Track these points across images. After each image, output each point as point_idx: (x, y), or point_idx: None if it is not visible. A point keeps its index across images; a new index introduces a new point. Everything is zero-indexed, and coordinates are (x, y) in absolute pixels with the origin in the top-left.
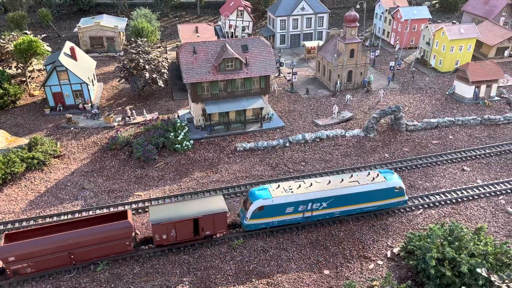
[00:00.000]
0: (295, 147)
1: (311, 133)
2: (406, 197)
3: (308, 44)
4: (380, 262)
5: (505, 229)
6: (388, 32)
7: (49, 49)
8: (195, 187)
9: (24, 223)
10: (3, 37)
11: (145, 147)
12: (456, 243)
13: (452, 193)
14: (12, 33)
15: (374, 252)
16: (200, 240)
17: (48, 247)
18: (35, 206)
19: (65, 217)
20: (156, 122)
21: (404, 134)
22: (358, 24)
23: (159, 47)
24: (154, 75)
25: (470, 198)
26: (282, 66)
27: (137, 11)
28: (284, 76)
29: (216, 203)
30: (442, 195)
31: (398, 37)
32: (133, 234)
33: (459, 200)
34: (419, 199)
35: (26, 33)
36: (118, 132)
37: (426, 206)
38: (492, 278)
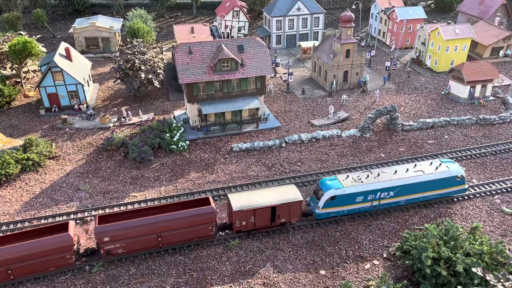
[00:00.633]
0: (291, 148)
1: (307, 134)
2: (466, 186)
3: (304, 44)
4: (376, 262)
5: (500, 229)
6: (384, 32)
7: (44, 50)
8: (191, 188)
9: (19, 225)
10: None
11: (141, 148)
12: (452, 243)
13: None
14: (7, 33)
15: (370, 252)
16: (275, 227)
17: (139, 229)
18: (30, 208)
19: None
20: (152, 122)
21: (400, 134)
22: (353, 25)
23: (155, 47)
24: (150, 76)
25: (466, 197)
26: (278, 66)
27: (133, 12)
28: (280, 76)
29: (291, 192)
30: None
31: (394, 37)
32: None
33: (455, 199)
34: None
35: (21, 34)
36: (114, 133)
37: (422, 205)
38: (488, 277)
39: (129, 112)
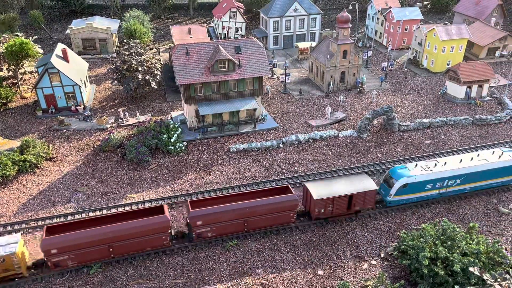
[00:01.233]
0: (288, 148)
1: (304, 134)
2: None
3: (301, 45)
4: (373, 262)
5: (497, 228)
6: (381, 33)
7: (41, 51)
8: (188, 189)
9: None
10: None
11: (138, 149)
12: (449, 243)
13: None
14: (4, 35)
15: (368, 252)
16: (350, 214)
17: (229, 214)
18: (27, 209)
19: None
20: (149, 123)
21: (396, 135)
22: (350, 25)
23: (152, 48)
24: (147, 77)
25: (463, 197)
26: (275, 67)
27: (130, 13)
28: (277, 77)
29: (366, 181)
30: None
31: (391, 38)
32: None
33: (452, 199)
34: None
35: (17, 35)
36: (111, 134)
37: (419, 205)
38: (485, 277)
39: (126, 113)
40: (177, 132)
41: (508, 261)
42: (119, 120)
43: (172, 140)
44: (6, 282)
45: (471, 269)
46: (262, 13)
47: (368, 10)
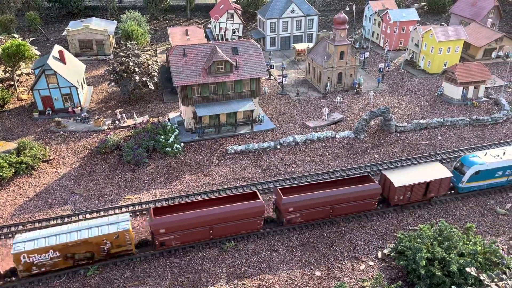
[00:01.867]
0: (286, 149)
1: (301, 135)
2: None
3: (298, 46)
4: (371, 263)
5: (493, 229)
6: (378, 34)
7: (38, 52)
8: (186, 190)
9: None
10: None
11: (135, 150)
12: (446, 243)
13: None
14: (0, 36)
15: (365, 253)
16: (425, 200)
17: (317, 202)
18: (24, 211)
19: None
20: (146, 125)
21: (393, 135)
22: (347, 26)
23: (149, 50)
24: (144, 78)
25: (459, 198)
26: (273, 68)
27: (127, 14)
28: (274, 78)
29: (440, 169)
30: None
31: (387, 39)
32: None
33: (448, 200)
34: None
35: (14, 37)
36: (108, 135)
37: (416, 206)
38: (481, 277)
39: (124, 114)
40: (175, 134)
41: (504, 262)
42: (116, 121)
43: (170, 141)
44: (116, 258)
45: (468, 269)
46: (259, 14)
47: (365, 11)
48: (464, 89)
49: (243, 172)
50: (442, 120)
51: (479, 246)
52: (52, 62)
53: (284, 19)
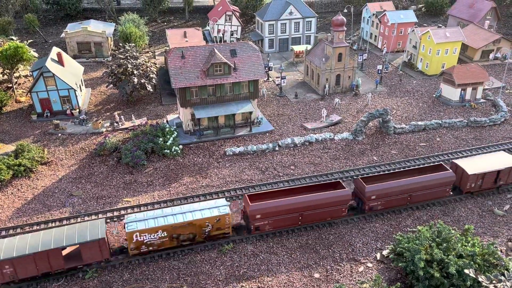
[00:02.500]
0: (284, 151)
1: (300, 137)
2: None
3: (297, 48)
4: (369, 265)
5: (492, 230)
6: (376, 36)
7: (36, 55)
8: (184, 193)
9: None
10: None
11: (134, 152)
12: (444, 245)
13: None
14: None
15: (364, 255)
16: (493, 188)
17: (395, 190)
18: (22, 214)
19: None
20: (145, 127)
21: (392, 137)
22: (345, 28)
23: (148, 52)
24: (143, 80)
25: (458, 199)
26: (271, 70)
27: (125, 16)
28: (273, 80)
29: (507, 158)
30: None
31: (385, 41)
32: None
33: (447, 201)
34: None
35: (12, 39)
36: (107, 137)
37: (414, 208)
38: (480, 279)
39: (122, 116)
40: (173, 136)
41: (503, 263)
42: (115, 123)
43: (168, 143)
44: (214, 240)
45: (466, 271)
46: (258, 16)
47: (363, 13)
48: (462, 91)
49: (242, 174)
50: (440, 122)
51: (478, 247)
52: (50, 64)
53: (282, 21)
